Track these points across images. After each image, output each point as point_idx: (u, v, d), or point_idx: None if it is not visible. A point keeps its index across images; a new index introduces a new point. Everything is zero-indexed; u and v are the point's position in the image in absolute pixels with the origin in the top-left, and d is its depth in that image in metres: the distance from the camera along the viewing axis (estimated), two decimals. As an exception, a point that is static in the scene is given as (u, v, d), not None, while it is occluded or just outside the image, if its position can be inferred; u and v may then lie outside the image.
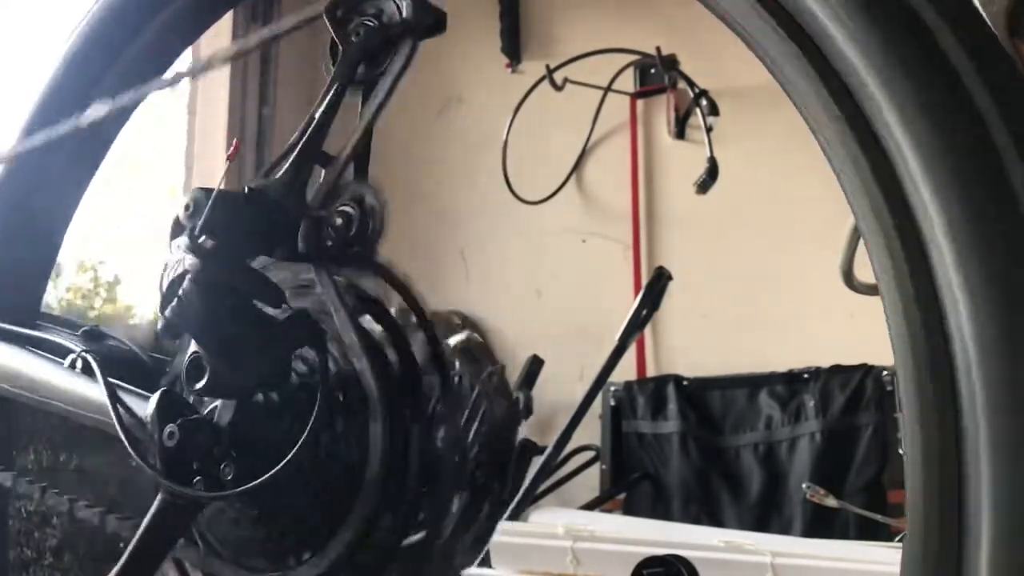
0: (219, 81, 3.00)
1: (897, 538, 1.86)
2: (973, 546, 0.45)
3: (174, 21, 0.89)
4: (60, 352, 0.76)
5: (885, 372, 2.32)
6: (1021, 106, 0.48)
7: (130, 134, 0.99)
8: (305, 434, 0.59)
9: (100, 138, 0.94)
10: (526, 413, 2.06)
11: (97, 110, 0.75)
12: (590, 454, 2.59)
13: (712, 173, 2.60)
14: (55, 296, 2.59)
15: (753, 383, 2.53)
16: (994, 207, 0.47)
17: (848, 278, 1.74)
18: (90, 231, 2.61)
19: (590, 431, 2.54)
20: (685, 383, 2.61)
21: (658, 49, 2.77)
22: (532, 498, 1.91)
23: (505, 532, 1.46)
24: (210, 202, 0.60)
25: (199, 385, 0.61)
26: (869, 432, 2.34)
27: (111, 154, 0.98)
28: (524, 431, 2.09)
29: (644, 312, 2.04)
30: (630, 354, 2.40)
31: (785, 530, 2.31)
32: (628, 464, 2.60)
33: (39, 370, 0.75)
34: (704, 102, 2.76)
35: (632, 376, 2.74)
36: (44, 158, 0.89)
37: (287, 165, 0.64)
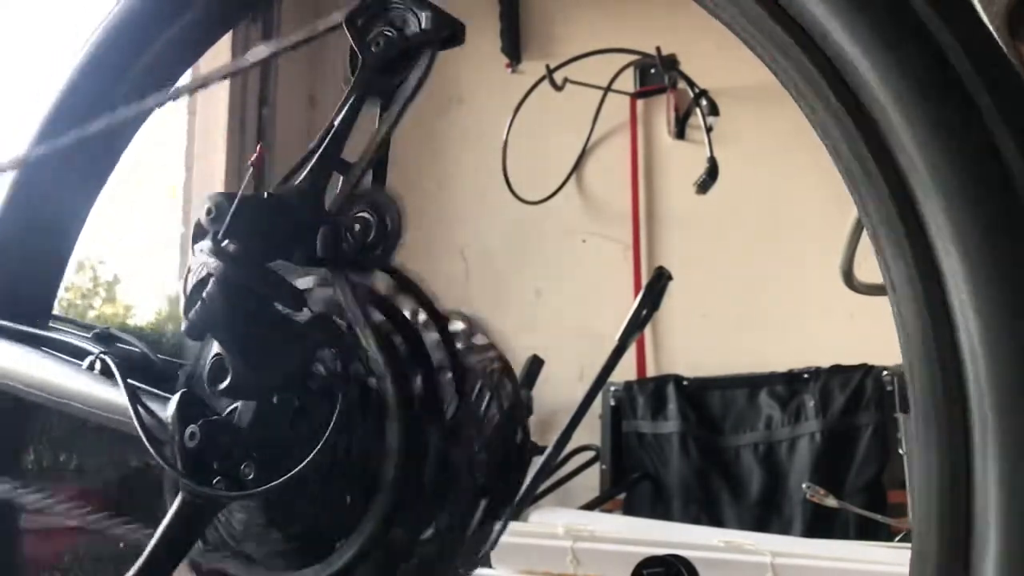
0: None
1: (897, 538, 1.87)
2: (981, 545, 0.46)
3: (185, 33, 0.90)
4: (76, 353, 0.77)
5: (885, 372, 2.33)
6: (1021, 106, 0.49)
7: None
8: (327, 434, 0.60)
9: (112, 146, 0.96)
10: (526, 413, 2.06)
11: (110, 119, 0.76)
12: (590, 454, 2.60)
13: (712, 173, 2.61)
14: (55, 296, 2.58)
15: (753, 383, 2.54)
16: (995, 207, 0.48)
17: (848, 278, 1.74)
18: (90, 231, 2.60)
19: (590, 431, 2.54)
20: (685, 383, 2.62)
21: (658, 49, 2.78)
22: (532, 498, 1.91)
23: (505, 532, 1.46)
24: (233, 207, 0.61)
25: (222, 386, 0.62)
26: (869, 432, 2.35)
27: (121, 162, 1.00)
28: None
29: (644, 312, 2.04)
30: (630, 354, 2.40)
31: (785, 530, 2.31)
32: (628, 464, 2.61)
33: (58, 372, 0.76)
34: (704, 102, 2.76)
35: (632, 376, 2.75)
36: (58, 165, 0.91)
37: (306, 172, 0.65)
